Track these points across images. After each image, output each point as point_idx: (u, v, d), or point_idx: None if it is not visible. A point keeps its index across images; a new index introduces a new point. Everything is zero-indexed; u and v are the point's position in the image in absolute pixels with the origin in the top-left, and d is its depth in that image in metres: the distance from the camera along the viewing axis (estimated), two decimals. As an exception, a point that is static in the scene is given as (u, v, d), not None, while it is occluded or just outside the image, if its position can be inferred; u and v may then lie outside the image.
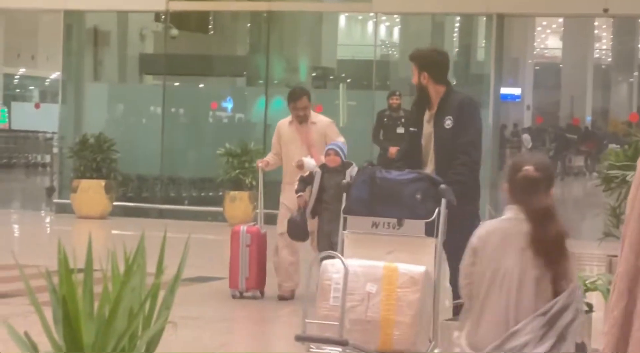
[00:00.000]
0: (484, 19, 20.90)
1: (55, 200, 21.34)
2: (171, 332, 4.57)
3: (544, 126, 41.80)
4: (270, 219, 11.94)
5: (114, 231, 16.39)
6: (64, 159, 21.23)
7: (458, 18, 23.74)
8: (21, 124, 36.86)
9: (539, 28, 43.00)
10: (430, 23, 23.91)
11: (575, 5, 21.17)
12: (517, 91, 39.90)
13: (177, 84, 23.21)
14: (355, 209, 7.11)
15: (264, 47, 21.39)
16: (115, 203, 19.72)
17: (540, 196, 5.00)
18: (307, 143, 9.76)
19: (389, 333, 6.57)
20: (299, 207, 9.78)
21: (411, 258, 6.85)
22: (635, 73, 43.16)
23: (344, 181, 8.01)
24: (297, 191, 9.65)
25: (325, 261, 6.88)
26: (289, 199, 10.39)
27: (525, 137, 40.85)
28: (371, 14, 21.81)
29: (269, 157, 10.39)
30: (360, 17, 25.63)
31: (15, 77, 42.12)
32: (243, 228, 10.84)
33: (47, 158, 24.57)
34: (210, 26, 25.72)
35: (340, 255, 6.77)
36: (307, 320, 6.69)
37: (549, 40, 46.38)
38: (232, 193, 17.18)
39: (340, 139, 10.60)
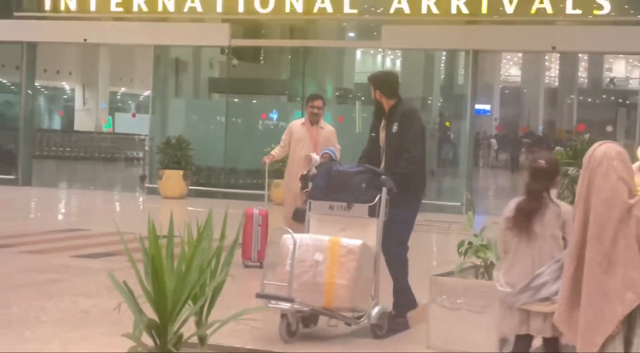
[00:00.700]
0: (463, 53, 20.77)
1: (146, 185, 21.38)
2: (230, 283, 4.60)
3: (506, 133, 41.58)
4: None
5: (189, 208, 16.37)
6: (153, 155, 21.26)
7: (444, 53, 23.57)
8: (122, 129, 36.86)
9: (504, 61, 42.70)
10: (424, 56, 23.71)
11: (531, 43, 20.95)
12: (487, 107, 39.70)
13: (236, 100, 23.14)
14: (316, 195, 7.14)
15: (300, 73, 21.29)
16: (190, 187, 19.74)
17: (545, 181, 5.33)
18: (315, 142, 9.59)
19: (332, 293, 6.53)
20: (305, 199, 9.65)
21: (358, 234, 6.79)
22: (574, 95, 42.97)
23: (311, 173, 7.97)
24: (302, 189, 9.21)
25: (285, 235, 6.80)
26: (292, 183, 9.95)
27: (492, 141, 40.52)
28: (380, 49, 21.69)
29: (275, 150, 10.14)
30: (371, 52, 25.38)
31: (118, 94, 42.07)
32: (255, 210, 10.72)
33: (141, 154, 24.57)
34: (261, 57, 25.62)
35: (291, 231, 6.79)
36: (265, 281, 6.65)
37: (511, 70, 46.01)
38: (275, 180, 17.07)
39: (337, 146, 10.27)
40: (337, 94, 24.52)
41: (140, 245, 3.89)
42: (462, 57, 21.69)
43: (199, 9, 20.57)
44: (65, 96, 41.98)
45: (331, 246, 6.63)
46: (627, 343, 4.62)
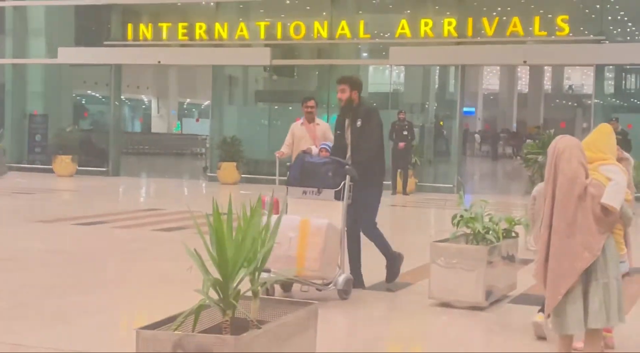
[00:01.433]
0: (454, 67, 20.70)
1: (208, 174, 21.43)
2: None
3: (488, 130, 41.41)
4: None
5: (241, 192, 16.39)
6: (212, 151, 21.29)
7: (438, 67, 23.49)
8: (188, 131, 37.07)
9: (485, 72, 42.44)
10: (422, 70, 23.66)
11: (506, 58, 20.84)
12: (472, 109, 39.53)
13: (276, 107, 23.15)
14: (292, 182, 6.91)
15: (326, 85, 21.23)
16: (242, 175, 19.76)
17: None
18: (314, 137, 9.14)
19: (302, 264, 6.26)
20: None
21: (327, 215, 6.54)
22: (541, 99, 42.70)
23: (288, 164, 7.52)
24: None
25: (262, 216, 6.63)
26: None
27: (477, 136, 40.43)
28: (388, 66, 21.66)
29: (283, 148, 9.56)
30: (381, 68, 25.30)
31: (184, 104, 42.29)
32: (267, 198, 10.33)
33: (203, 150, 24.65)
34: (295, 73, 25.52)
35: (266, 211, 6.49)
36: None
37: (491, 80, 45.70)
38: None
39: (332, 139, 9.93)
40: (355, 101, 24.47)
41: (206, 220, 3.90)
42: (452, 70, 21.63)
43: (247, 36, 20.69)
44: (144, 106, 42.24)
45: (302, 225, 6.39)
46: (585, 293, 4.61)
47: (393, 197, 17.43)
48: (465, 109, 23.65)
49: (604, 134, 4.88)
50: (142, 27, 21.66)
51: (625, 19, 23.33)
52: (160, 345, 3.64)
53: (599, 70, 19.90)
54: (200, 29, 21.06)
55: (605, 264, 4.62)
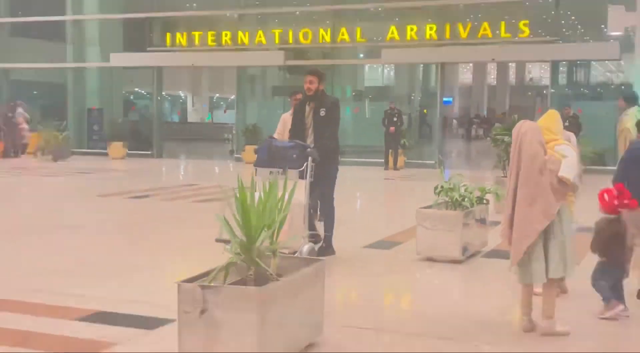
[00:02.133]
0: (434, 65, 20.65)
1: (234, 156, 21.41)
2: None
3: (463, 116, 41.30)
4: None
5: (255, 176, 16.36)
6: (239, 137, 21.28)
7: (422, 65, 23.38)
8: (217, 120, 37.01)
9: (461, 68, 42.17)
10: (409, 67, 23.62)
11: (478, 56, 20.79)
12: (450, 99, 39.33)
13: (288, 99, 23.02)
14: (260, 163, 6.37)
15: (330, 81, 21.09)
16: (262, 156, 19.75)
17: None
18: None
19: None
20: None
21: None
22: (507, 90, 42.57)
23: (255, 147, 6.94)
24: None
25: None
26: None
27: (454, 121, 40.35)
28: (381, 65, 21.63)
29: (275, 136, 8.53)
30: (375, 66, 25.22)
31: (214, 98, 42.19)
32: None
33: (230, 136, 24.54)
34: (303, 71, 25.39)
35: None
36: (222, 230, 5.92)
37: (465, 74, 45.43)
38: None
39: None
40: (354, 94, 24.36)
41: (233, 193, 3.91)
42: (433, 67, 21.52)
43: (264, 42, 20.62)
44: (181, 100, 42.13)
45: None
46: (546, 250, 4.62)
47: (386, 172, 17.45)
48: (444, 99, 23.61)
49: (553, 119, 4.84)
50: (178, 35, 21.61)
51: (576, 22, 23.19)
52: (198, 294, 3.66)
53: (554, 65, 19.90)
54: (226, 37, 21.01)
55: (561, 225, 4.63)
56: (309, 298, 4.19)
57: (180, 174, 18.61)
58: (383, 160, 18.26)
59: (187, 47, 21.46)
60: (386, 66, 23.26)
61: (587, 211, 6.13)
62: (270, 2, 22.25)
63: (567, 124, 14.09)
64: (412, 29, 19.08)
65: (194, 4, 24.05)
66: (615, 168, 5.96)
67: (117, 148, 21.10)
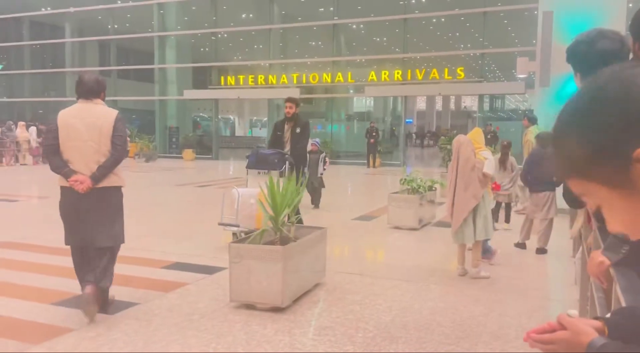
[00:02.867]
0: (400, 97, 20.52)
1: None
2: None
3: (420, 131, 41.03)
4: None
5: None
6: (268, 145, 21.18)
7: (392, 97, 23.26)
8: (255, 134, 36.79)
9: (418, 99, 41.84)
10: (384, 99, 23.47)
11: (428, 92, 20.62)
12: (411, 120, 38.97)
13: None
14: (250, 166, 5.88)
15: (330, 109, 21.07)
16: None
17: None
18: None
19: (260, 221, 5.07)
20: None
21: None
22: (448, 113, 42.22)
23: (246, 155, 6.17)
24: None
25: (232, 189, 5.46)
26: None
27: (413, 134, 39.99)
28: (364, 97, 21.50)
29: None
30: (362, 98, 25.11)
31: (253, 119, 42.00)
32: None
33: (264, 145, 24.37)
34: (313, 102, 25.19)
35: (236, 187, 5.52)
36: (223, 216, 5.50)
37: (420, 104, 45.10)
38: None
39: (317, 139, 8.68)
40: (346, 116, 24.24)
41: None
42: (400, 99, 21.36)
43: (286, 82, 20.53)
44: (230, 121, 42.02)
45: (259, 194, 5.20)
46: (474, 220, 4.59)
47: (367, 169, 17.37)
48: (407, 120, 23.43)
49: (479, 134, 4.83)
50: (229, 78, 21.51)
51: (495, 68, 23.04)
52: (241, 251, 3.66)
53: (480, 97, 19.75)
54: (260, 78, 20.90)
55: (484, 204, 4.61)
56: (315, 253, 4.18)
57: (230, 171, 18.61)
58: (366, 161, 18.21)
59: (234, 85, 21.37)
60: (368, 98, 23.12)
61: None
62: (290, 55, 22.20)
63: (489, 137, 14.06)
64: (385, 73, 18.95)
65: (240, 57, 24.01)
66: (521, 167, 5.94)
67: (188, 153, 21.10)
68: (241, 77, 21.34)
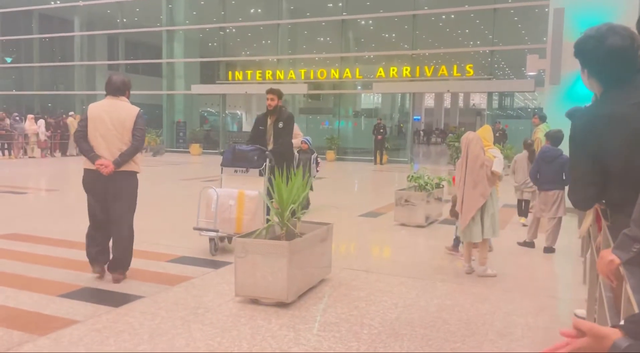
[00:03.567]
0: (409, 94, 20.43)
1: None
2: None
3: (428, 128, 40.89)
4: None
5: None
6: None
7: (400, 94, 23.16)
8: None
9: (426, 97, 41.74)
10: (392, 95, 23.38)
11: (437, 88, 20.50)
12: (419, 117, 38.91)
13: (310, 117, 22.88)
14: (225, 163, 5.33)
15: (338, 104, 21.03)
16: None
17: None
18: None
19: (240, 224, 4.89)
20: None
21: (253, 187, 5.06)
22: (457, 111, 42.00)
23: (220, 151, 5.77)
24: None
25: (209, 189, 5.11)
26: None
27: (421, 132, 39.89)
28: (372, 93, 21.42)
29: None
30: (369, 95, 25.04)
31: (258, 114, 42.01)
32: None
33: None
34: (321, 97, 25.20)
35: (213, 187, 5.16)
36: (199, 219, 5.09)
37: (429, 101, 45.00)
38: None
39: (308, 137, 7.85)
40: (353, 113, 24.23)
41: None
42: (408, 95, 21.29)
43: (294, 77, 20.52)
44: (238, 117, 42.09)
45: (239, 195, 4.97)
46: (482, 218, 4.57)
47: (374, 166, 17.36)
48: (415, 117, 23.40)
49: (487, 131, 4.80)
50: (236, 73, 21.56)
51: (505, 66, 22.88)
52: (247, 246, 3.66)
53: (489, 95, 19.61)
54: (268, 74, 20.91)
55: (492, 202, 4.58)
56: (321, 249, 4.17)
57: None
58: (373, 158, 18.19)
59: (242, 80, 21.40)
60: (376, 94, 23.06)
61: (506, 193, 6.07)
62: (298, 51, 22.16)
63: (497, 135, 13.97)
64: (393, 70, 18.87)
65: (248, 52, 24.02)
66: (531, 165, 5.90)
67: (195, 147, 21.16)
68: (249, 72, 21.35)
